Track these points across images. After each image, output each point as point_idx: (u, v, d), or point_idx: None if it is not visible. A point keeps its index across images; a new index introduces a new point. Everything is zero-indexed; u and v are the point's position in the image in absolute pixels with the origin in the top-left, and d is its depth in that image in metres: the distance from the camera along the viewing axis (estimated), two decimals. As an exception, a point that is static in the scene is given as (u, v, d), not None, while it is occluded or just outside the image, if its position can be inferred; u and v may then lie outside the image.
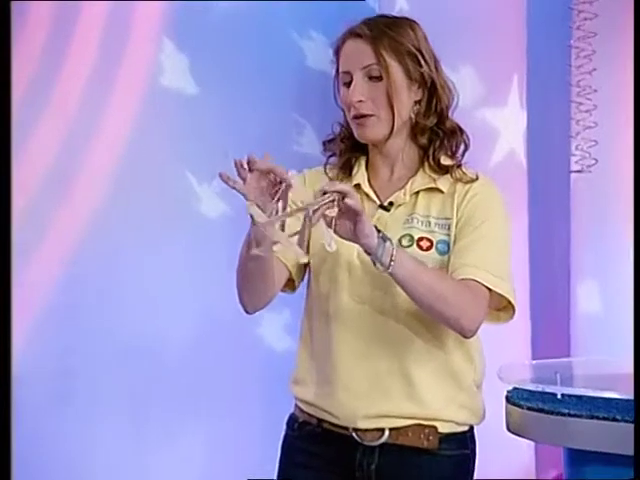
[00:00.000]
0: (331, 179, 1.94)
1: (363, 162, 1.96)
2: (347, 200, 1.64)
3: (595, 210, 3.74)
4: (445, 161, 1.93)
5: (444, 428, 1.88)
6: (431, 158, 1.92)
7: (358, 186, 1.93)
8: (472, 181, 1.92)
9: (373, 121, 1.88)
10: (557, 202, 3.95)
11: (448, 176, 1.92)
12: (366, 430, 1.87)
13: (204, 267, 3.53)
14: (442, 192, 1.91)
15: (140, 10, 3.61)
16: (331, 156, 1.98)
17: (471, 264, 1.83)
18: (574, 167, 3.55)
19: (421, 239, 1.87)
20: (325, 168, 1.99)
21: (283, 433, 2.00)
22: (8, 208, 2.10)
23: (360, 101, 1.86)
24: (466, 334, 1.82)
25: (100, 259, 3.45)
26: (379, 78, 1.87)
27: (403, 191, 1.91)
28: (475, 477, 1.97)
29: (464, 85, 3.46)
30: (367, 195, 1.92)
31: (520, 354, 3.42)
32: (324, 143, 1.98)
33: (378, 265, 1.71)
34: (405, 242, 1.87)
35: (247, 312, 1.92)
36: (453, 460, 1.89)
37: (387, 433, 1.87)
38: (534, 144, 3.71)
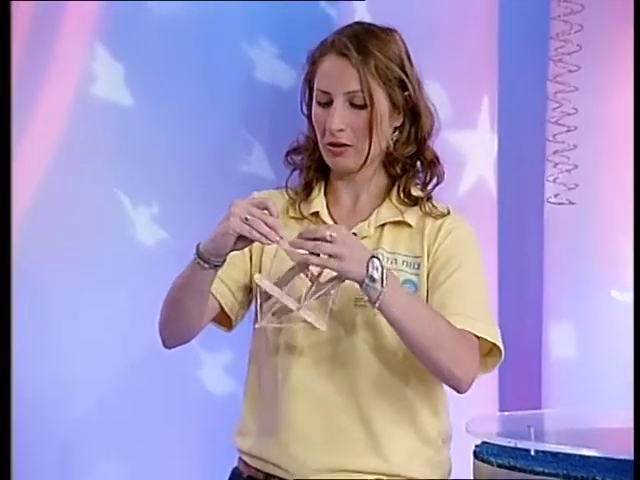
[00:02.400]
0: (292, 202, 1.93)
1: (322, 186, 1.94)
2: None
3: (571, 245, 3.76)
4: (415, 192, 1.92)
5: None
6: (401, 188, 1.91)
7: (316, 214, 1.91)
8: (443, 216, 1.91)
9: (350, 152, 1.87)
10: (530, 236, 3.96)
11: (417, 209, 1.91)
12: None
13: (137, 299, 3.48)
14: (410, 227, 1.90)
15: (71, 12, 3.58)
16: (294, 170, 1.95)
17: (457, 312, 1.83)
18: (552, 199, 3.56)
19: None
20: (286, 189, 1.95)
21: None
22: (8, 214, 2.15)
23: (340, 130, 1.85)
24: (461, 387, 1.83)
25: (21, 286, 3.39)
26: (362, 107, 1.85)
27: (367, 222, 1.90)
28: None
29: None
30: (325, 223, 1.90)
31: (486, 404, 3.42)
32: (288, 153, 1.95)
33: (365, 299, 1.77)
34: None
35: (166, 346, 1.93)
36: None
37: None
38: (505, 172, 3.72)
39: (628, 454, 1.84)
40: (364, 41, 1.87)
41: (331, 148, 1.87)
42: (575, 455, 1.86)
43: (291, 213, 1.93)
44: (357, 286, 1.79)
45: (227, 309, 1.92)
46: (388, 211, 1.90)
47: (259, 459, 1.91)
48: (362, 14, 3.48)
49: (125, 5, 3.60)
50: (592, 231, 3.72)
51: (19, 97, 3.38)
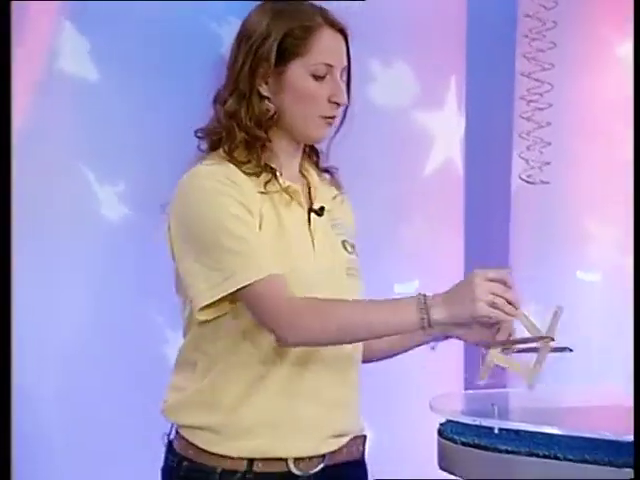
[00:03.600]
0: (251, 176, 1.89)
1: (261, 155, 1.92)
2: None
3: (537, 225, 3.79)
4: (324, 162, 2.02)
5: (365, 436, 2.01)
6: (317, 158, 2.00)
7: (290, 188, 1.92)
8: (341, 188, 2.03)
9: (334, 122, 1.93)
10: (496, 215, 3.99)
11: (328, 178, 2.01)
12: (310, 458, 1.90)
13: (103, 275, 3.49)
14: (336, 198, 2.01)
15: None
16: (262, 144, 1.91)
17: None
18: (524, 176, 3.57)
19: (353, 245, 1.97)
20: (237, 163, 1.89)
21: None
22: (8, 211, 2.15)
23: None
24: None
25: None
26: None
27: (320, 194, 1.96)
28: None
29: (397, 83, 3.51)
30: (297, 197, 1.92)
31: (452, 384, 3.45)
32: (261, 123, 1.89)
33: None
34: (349, 248, 1.96)
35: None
36: (365, 465, 2.03)
37: (327, 456, 1.92)
38: (472, 152, 3.75)
39: (589, 431, 1.87)
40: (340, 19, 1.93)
41: (327, 120, 1.90)
42: (538, 433, 1.89)
43: (257, 187, 1.89)
44: (347, 255, 1.92)
45: None
46: (321, 182, 1.99)
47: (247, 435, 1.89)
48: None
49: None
50: (559, 211, 3.75)
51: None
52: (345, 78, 1.93)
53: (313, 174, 1.98)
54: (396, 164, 3.52)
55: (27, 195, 3.45)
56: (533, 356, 2.03)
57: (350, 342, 1.87)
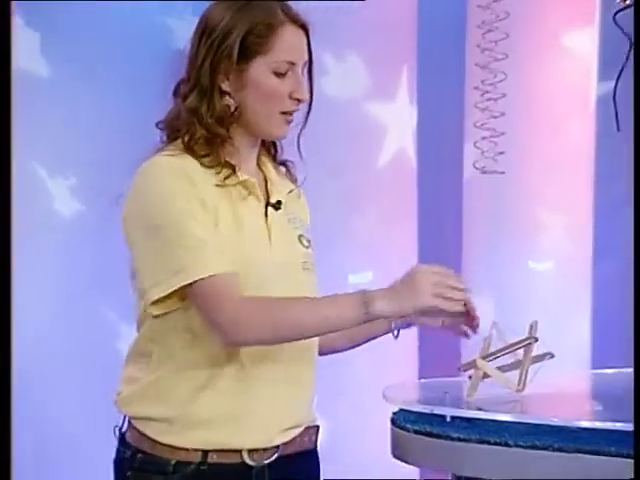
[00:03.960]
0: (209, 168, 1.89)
1: (220, 150, 1.92)
2: None
3: (489, 215, 3.82)
4: (280, 156, 2.03)
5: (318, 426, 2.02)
6: (275, 152, 2.01)
7: (246, 182, 1.92)
8: (296, 181, 2.04)
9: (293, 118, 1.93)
10: (448, 205, 4.03)
11: (284, 171, 2.02)
12: (264, 449, 1.91)
13: (57, 271, 3.48)
14: (292, 192, 2.01)
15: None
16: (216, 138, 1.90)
17: None
18: (477, 165, 3.59)
19: (309, 240, 1.98)
20: (198, 157, 1.89)
21: None
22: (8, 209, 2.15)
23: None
24: None
25: None
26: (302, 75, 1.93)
27: (277, 188, 1.96)
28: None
29: (350, 76, 3.53)
30: (254, 191, 1.93)
31: (407, 373, 3.48)
32: (222, 120, 1.89)
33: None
34: (305, 242, 1.97)
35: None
36: (317, 455, 2.04)
37: (280, 447, 1.93)
38: (424, 142, 3.78)
39: (539, 418, 1.91)
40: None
41: (287, 117, 1.91)
42: (489, 420, 1.91)
43: (214, 180, 1.89)
44: (303, 250, 1.93)
45: None
46: (278, 177, 1.99)
47: (199, 437, 1.89)
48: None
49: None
50: (511, 201, 3.78)
51: None
52: (307, 72, 1.93)
53: (270, 168, 1.99)
54: (349, 156, 3.54)
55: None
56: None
57: (298, 339, 1.88)
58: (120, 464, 1.95)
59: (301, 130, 1.96)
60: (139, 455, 1.92)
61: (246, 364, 1.89)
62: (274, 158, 2.01)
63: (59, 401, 3.57)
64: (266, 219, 1.93)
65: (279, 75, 1.88)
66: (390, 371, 3.02)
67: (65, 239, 3.53)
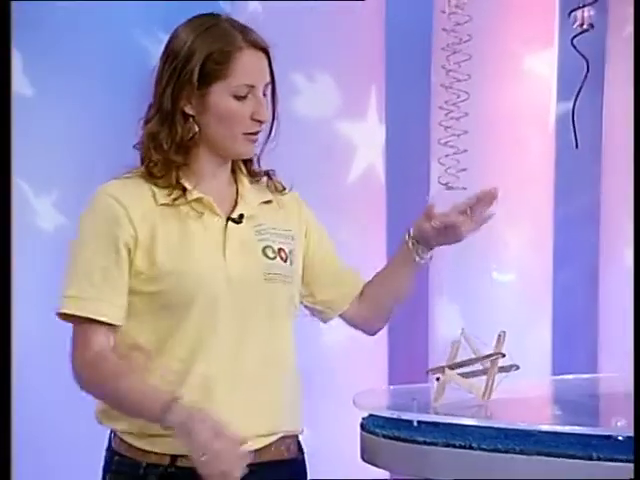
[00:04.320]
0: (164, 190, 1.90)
1: (179, 169, 1.92)
2: None
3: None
4: (257, 168, 2.01)
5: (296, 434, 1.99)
6: (249, 167, 1.99)
7: (200, 200, 1.91)
8: (284, 188, 2.02)
9: (258, 138, 1.94)
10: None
11: (265, 183, 2.01)
12: None
13: (43, 285, 3.48)
14: (271, 202, 1.99)
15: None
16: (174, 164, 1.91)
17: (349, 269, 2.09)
18: (441, 180, 3.63)
19: (280, 250, 1.95)
20: (150, 177, 1.91)
21: None
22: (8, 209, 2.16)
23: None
24: None
25: None
26: (265, 95, 1.92)
27: (244, 202, 1.95)
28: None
29: (321, 96, 3.57)
30: (209, 207, 1.92)
31: (377, 379, 3.51)
32: (181, 145, 1.90)
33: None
34: (270, 254, 1.93)
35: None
36: (302, 464, 2.00)
37: (253, 454, 1.86)
38: (393, 159, 3.81)
39: (503, 422, 1.94)
40: (260, 35, 1.93)
41: (252, 137, 1.91)
42: (455, 424, 1.95)
43: (162, 200, 1.90)
44: (266, 261, 1.91)
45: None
46: (252, 190, 1.97)
47: (166, 444, 1.87)
48: (255, 7, 3.54)
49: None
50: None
51: None
52: (270, 92, 1.93)
53: (245, 182, 1.98)
54: (321, 172, 3.56)
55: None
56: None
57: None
58: (104, 469, 1.97)
59: (262, 148, 1.95)
60: (116, 457, 1.93)
61: (203, 380, 1.87)
62: (250, 172, 1.99)
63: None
64: (225, 234, 1.91)
65: (239, 98, 1.88)
66: (361, 378, 3.04)
67: (49, 252, 3.54)
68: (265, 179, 2.00)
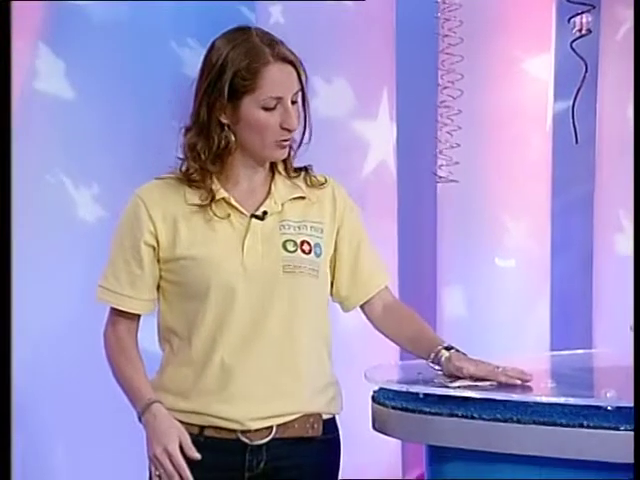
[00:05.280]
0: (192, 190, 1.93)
1: (213, 175, 1.94)
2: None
3: (460, 219, 3.87)
4: (294, 166, 2.00)
5: (325, 415, 1.98)
6: (287, 165, 1.98)
7: (224, 200, 1.93)
8: (322, 184, 2.00)
9: (289, 143, 1.94)
10: (425, 211, 4.08)
11: (302, 179, 1.99)
12: (256, 430, 1.92)
13: (84, 275, 3.50)
14: (304, 198, 1.98)
15: (16, 11, 3.57)
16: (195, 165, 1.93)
17: (381, 270, 2.08)
18: (438, 178, 3.65)
19: (303, 243, 1.94)
20: (186, 178, 1.94)
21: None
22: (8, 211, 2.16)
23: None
24: None
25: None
26: (295, 102, 1.91)
27: (272, 200, 1.95)
28: (344, 476, 2.06)
29: (337, 97, 3.58)
30: (234, 207, 1.93)
31: (388, 356, 3.52)
32: (217, 154, 1.91)
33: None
34: (291, 247, 1.93)
35: None
36: (331, 443, 2.00)
37: (275, 429, 1.92)
38: (403, 156, 3.82)
39: (502, 394, 1.95)
40: (287, 46, 1.93)
41: (282, 144, 1.91)
42: (457, 397, 1.96)
43: (191, 200, 1.93)
44: (285, 254, 1.92)
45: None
46: (285, 187, 1.97)
47: (196, 414, 1.92)
48: (277, 18, 3.55)
49: (63, 6, 3.61)
50: (478, 207, 3.84)
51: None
52: (299, 99, 1.92)
53: (278, 179, 1.97)
54: (337, 168, 3.55)
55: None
56: None
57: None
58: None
59: (295, 151, 1.96)
60: None
61: (226, 361, 1.90)
62: (287, 170, 1.98)
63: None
64: (247, 230, 1.92)
65: (268, 109, 1.89)
66: (372, 354, 3.04)
67: (88, 242, 3.55)
68: (303, 174, 1.99)
